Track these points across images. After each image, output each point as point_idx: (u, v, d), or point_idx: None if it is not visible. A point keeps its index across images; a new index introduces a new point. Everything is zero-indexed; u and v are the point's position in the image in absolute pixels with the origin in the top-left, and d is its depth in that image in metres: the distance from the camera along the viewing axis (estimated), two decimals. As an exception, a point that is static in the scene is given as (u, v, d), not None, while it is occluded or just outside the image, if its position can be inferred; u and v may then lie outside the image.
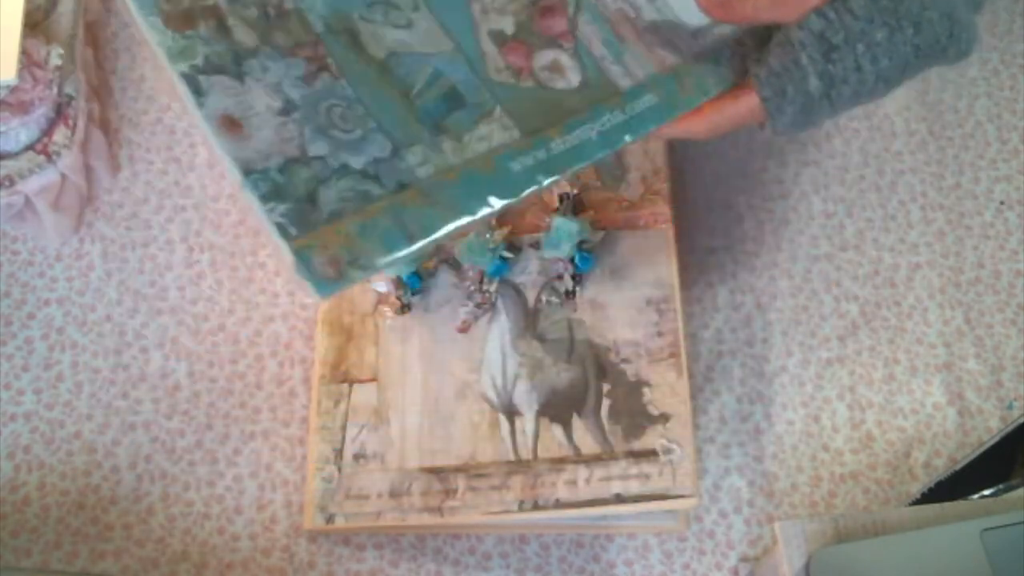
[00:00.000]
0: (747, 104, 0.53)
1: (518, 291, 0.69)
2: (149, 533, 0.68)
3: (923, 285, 0.75)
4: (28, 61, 0.71)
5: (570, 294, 0.68)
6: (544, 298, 0.68)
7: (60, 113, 0.72)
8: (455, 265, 0.69)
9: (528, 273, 0.69)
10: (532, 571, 0.67)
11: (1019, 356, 0.73)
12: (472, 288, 0.68)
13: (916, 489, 0.68)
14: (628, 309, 0.67)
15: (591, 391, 0.65)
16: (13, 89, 0.70)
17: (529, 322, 0.68)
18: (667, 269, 0.68)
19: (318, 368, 0.68)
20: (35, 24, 0.74)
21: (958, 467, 0.64)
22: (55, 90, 0.72)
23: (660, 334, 0.66)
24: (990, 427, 0.71)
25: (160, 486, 0.69)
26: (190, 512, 0.68)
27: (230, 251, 0.76)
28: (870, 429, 0.71)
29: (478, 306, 0.68)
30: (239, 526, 0.68)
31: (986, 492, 0.61)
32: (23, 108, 0.70)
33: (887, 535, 0.54)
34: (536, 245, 0.69)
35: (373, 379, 0.67)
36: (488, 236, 0.68)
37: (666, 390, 0.65)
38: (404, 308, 0.69)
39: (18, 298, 0.74)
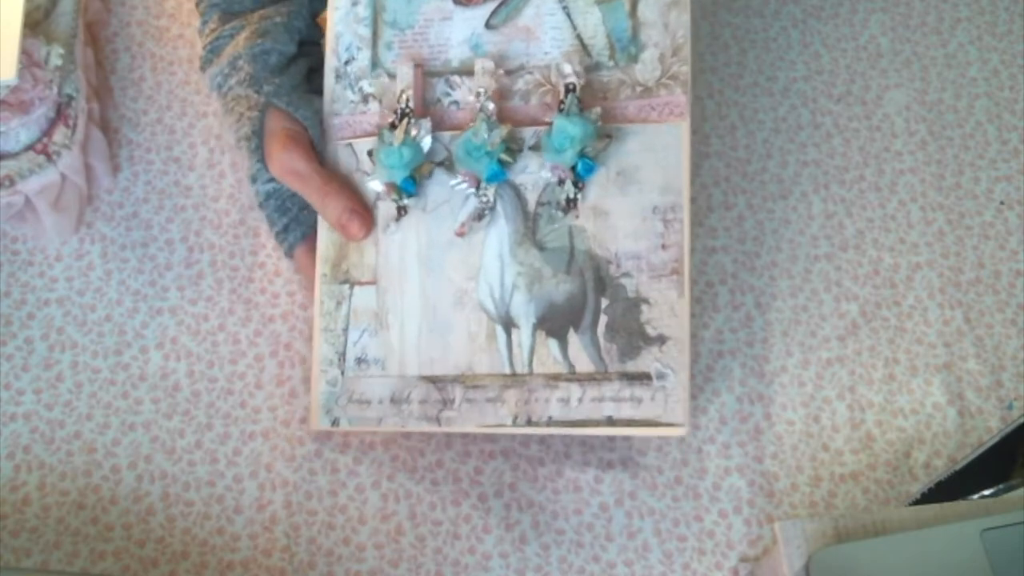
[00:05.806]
0: None
1: (518, 193, 0.65)
2: (149, 533, 0.68)
3: (923, 285, 0.75)
4: (28, 61, 0.71)
5: (571, 203, 0.64)
6: (545, 201, 0.65)
7: (60, 113, 0.72)
8: (451, 169, 0.66)
9: (529, 173, 0.65)
10: (532, 571, 0.67)
11: (1019, 356, 0.73)
12: (469, 193, 0.65)
13: (916, 489, 0.68)
14: (632, 217, 0.63)
15: (589, 306, 0.63)
16: (13, 89, 0.70)
17: (529, 228, 0.65)
18: (677, 172, 0.63)
19: (319, 266, 0.67)
20: (35, 24, 0.74)
21: (958, 467, 0.64)
22: (55, 90, 0.72)
23: (664, 247, 0.63)
24: (990, 427, 0.71)
25: (160, 486, 0.69)
26: (190, 512, 0.68)
27: (230, 251, 0.76)
28: (870, 429, 0.71)
29: (476, 211, 0.65)
30: (239, 526, 0.68)
31: (986, 492, 0.61)
32: (23, 108, 0.70)
33: (887, 535, 0.54)
34: (537, 147, 0.65)
35: (373, 281, 0.66)
36: (486, 137, 0.64)
37: (665, 309, 0.62)
38: (400, 211, 0.66)
39: (18, 298, 0.74)
